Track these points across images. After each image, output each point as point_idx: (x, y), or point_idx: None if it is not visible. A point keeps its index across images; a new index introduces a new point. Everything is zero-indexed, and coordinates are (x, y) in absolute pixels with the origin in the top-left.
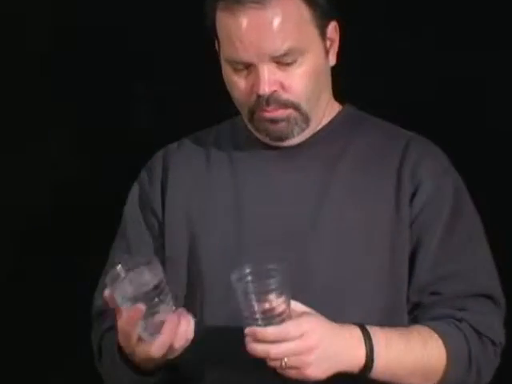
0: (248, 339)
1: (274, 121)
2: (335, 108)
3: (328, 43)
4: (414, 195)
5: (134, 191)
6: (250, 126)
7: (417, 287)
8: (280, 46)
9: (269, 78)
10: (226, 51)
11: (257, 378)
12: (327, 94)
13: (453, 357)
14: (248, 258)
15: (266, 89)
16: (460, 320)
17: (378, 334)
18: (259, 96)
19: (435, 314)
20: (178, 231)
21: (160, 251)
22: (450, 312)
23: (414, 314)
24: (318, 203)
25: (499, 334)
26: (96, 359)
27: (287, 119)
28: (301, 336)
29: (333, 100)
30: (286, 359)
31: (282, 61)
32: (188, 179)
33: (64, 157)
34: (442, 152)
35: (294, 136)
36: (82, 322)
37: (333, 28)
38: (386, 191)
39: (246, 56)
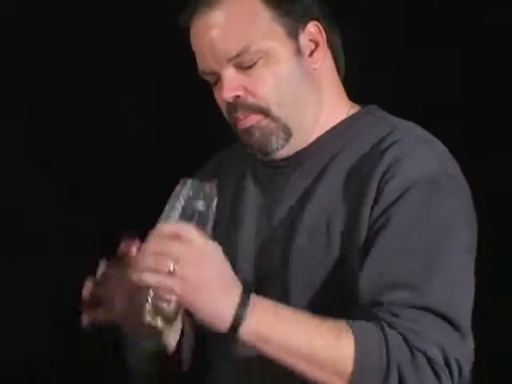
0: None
1: (248, 132)
2: (338, 114)
3: (311, 45)
4: (376, 202)
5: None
6: None
7: (360, 298)
8: (233, 46)
9: (230, 83)
10: (198, 66)
11: None
12: (317, 100)
13: (361, 352)
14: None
15: (228, 94)
16: (390, 324)
17: (263, 300)
18: (229, 104)
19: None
20: None
21: None
22: (382, 315)
23: None
24: (290, 230)
25: (439, 352)
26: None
27: (260, 128)
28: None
29: (334, 106)
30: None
31: (240, 63)
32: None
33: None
34: (428, 155)
35: (273, 147)
36: None
37: (312, 28)
38: (354, 208)
39: (206, 64)
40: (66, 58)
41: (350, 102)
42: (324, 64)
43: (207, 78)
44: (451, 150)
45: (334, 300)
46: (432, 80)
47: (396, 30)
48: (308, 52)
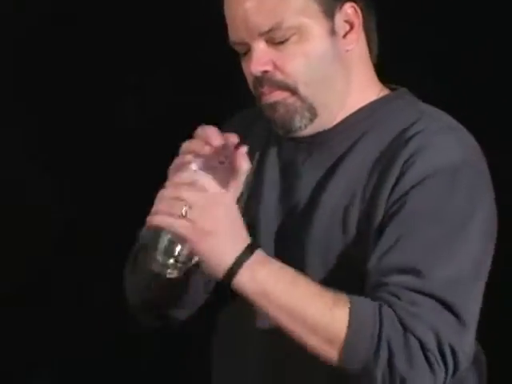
0: None
1: (272, 107)
2: (367, 97)
3: (346, 26)
4: (394, 188)
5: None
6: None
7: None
8: (266, 20)
9: (260, 57)
10: (229, 36)
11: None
12: (346, 82)
13: (354, 321)
14: None
15: (257, 67)
16: (388, 303)
17: (268, 258)
18: (256, 78)
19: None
20: None
21: None
22: (382, 295)
23: None
24: (309, 211)
25: (433, 337)
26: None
27: (285, 105)
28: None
29: (363, 89)
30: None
31: (272, 38)
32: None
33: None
34: (452, 144)
35: (297, 126)
36: None
37: (348, 9)
38: (373, 194)
39: (237, 35)
40: (67, 57)
41: (380, 85)
42: (357, 46)
43: (237, 47)
44: (480, 138)
45: (349, 281)
46: (464, 66)
47: (430, 14)
48: (342, 33)
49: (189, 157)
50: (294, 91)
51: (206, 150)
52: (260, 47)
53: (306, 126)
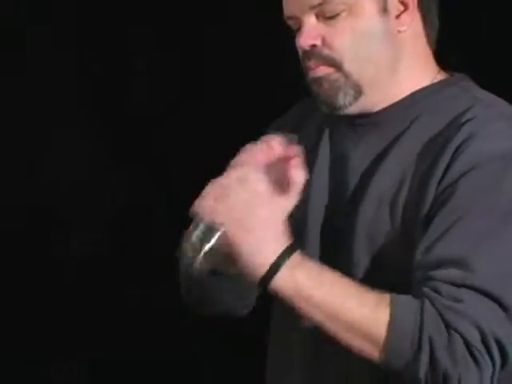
0: None
1: (317, 82)
2: (421, 81)
3: (400, 6)
4: (443, 177)
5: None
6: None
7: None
8: None
9: (309, 31)
10: (283, 11)
11: None
12: (394, 63)
13: (396, 320)
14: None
15: (306, 41)
16: (431, 300)
17: (308, 259)
18: (304, 52)
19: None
20: None
21: None
22: (426, 291)
23: None
24: (358, 195)
25: (476, 331)
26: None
27: (329, 81)
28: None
29: (417, 72)
30: None
31: (323, 12)
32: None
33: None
34: (504, 132)
35: (340, 103)
36: None
37: None
38: (422, 182)
39: (290, 9)
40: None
41: (436, 70)
42: (411, 28)
43: (290, 22)
44: None
45: (396, 268)
46: None
47: None
48: (395, 13)
49: (248, 157)
50: (338, 67)
51: (267, 156)
52: (310, 21)
53: (350, 104)
